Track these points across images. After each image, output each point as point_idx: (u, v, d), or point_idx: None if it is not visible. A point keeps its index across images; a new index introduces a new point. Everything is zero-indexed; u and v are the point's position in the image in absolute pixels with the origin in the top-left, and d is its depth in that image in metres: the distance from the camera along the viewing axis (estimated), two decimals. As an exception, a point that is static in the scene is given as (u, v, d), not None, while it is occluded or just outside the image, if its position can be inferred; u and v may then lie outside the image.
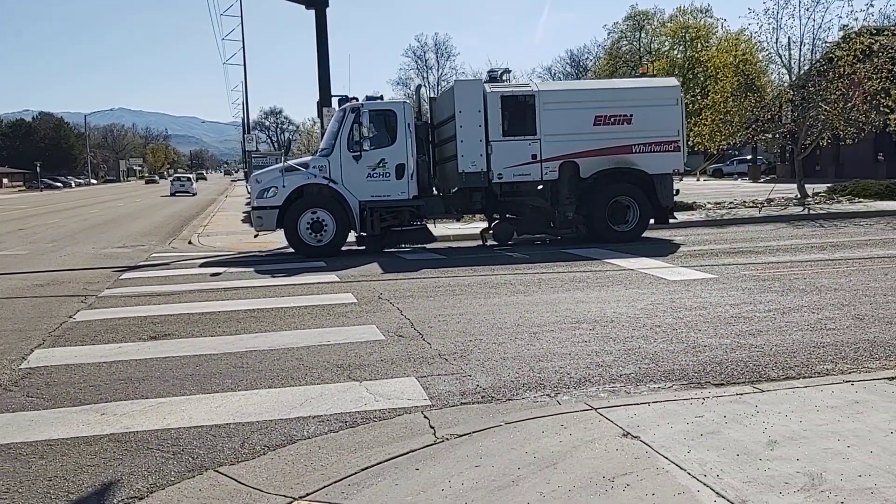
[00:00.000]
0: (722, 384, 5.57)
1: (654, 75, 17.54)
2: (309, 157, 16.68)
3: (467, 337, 7.34)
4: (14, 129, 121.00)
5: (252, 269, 13.28)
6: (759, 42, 28.00)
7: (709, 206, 22.92)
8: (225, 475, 4.31)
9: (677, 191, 16.41)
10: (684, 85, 75.03)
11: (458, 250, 15.52)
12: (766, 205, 22.81)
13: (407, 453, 4.38)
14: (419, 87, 16.45)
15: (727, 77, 26.94)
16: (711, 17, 75.30)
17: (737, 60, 27.00)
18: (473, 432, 4.64)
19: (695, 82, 72.59)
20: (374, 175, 15.13)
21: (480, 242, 16.48)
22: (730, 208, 22.36)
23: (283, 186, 15.01)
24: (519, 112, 15.43)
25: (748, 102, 25.35)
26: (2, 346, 7.68)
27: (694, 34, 75.23)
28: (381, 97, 16.27)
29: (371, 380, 6.03)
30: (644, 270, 11.26)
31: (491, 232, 16.24)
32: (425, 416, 5.07)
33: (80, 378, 6.38)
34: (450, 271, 12.12)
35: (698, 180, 51.07)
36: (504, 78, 16.72)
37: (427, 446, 4.47)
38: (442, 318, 8.31)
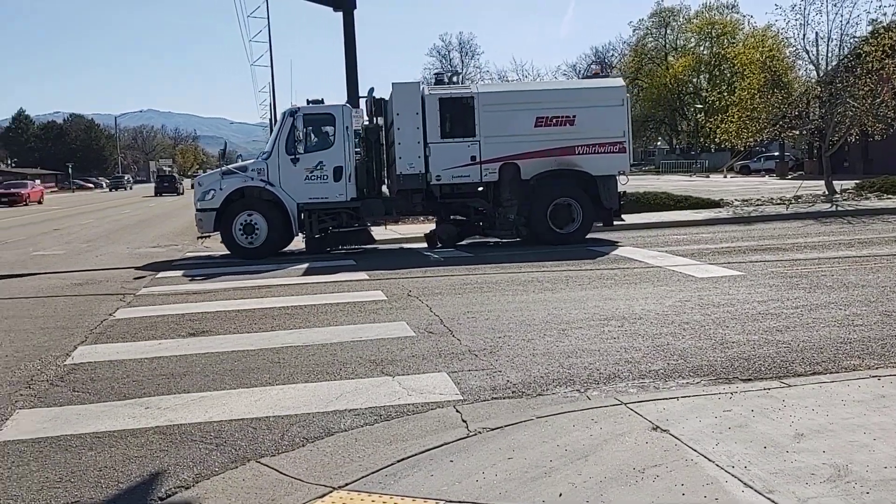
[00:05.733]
0: (749, 379, 5.63)
1: (607, 76, 17.34)
2: (250, 161, 17.04)
3: (496, 333, 7.44)
4: (46, 130, 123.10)
5: (284, 267, 13.49)
6: (786, 38, 27.76)
7: (736, 202, 22.81)
8: (266, 466, 4.46)
9: (623, 192, 16.25)
10: (710, 82, 74.80)
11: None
12: (793, 202, 22.65)
13: (441, 445, 4.50)
14: (371, 89, 16.55)
15: (754, 73, 26.75)
16: (738, 14, 74.63)
17: (763, 57, 26.77)
18: (505, 426, 4.75)
19: (721, 79, 72.15)
20: (312, 178, 15.36)
21: (425, 245, 16.42)
22: (757, 205, 22.24)
23: (221, 189, 15.37)
24: (458, 114, 15.47)
25: (775, 99, 25.15)
26: (46, 343, 7.92)
27: (720, 30, 74.65)
28: (322, 101, 16.43)
29: (403, 375, 6.16)
30: (672, 268, 11.29)
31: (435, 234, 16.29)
32: (457, 411, 5.19)
33: (124, 373, 6.59)
34: (477, 269, 12.23)
35: (725, 177, 50.71)
36: (454, 81, 16.75)
37: (460, 439, 4.59)
38: (471, 314, 8.43)
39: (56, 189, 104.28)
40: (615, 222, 16.26)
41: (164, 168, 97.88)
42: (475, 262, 13.11)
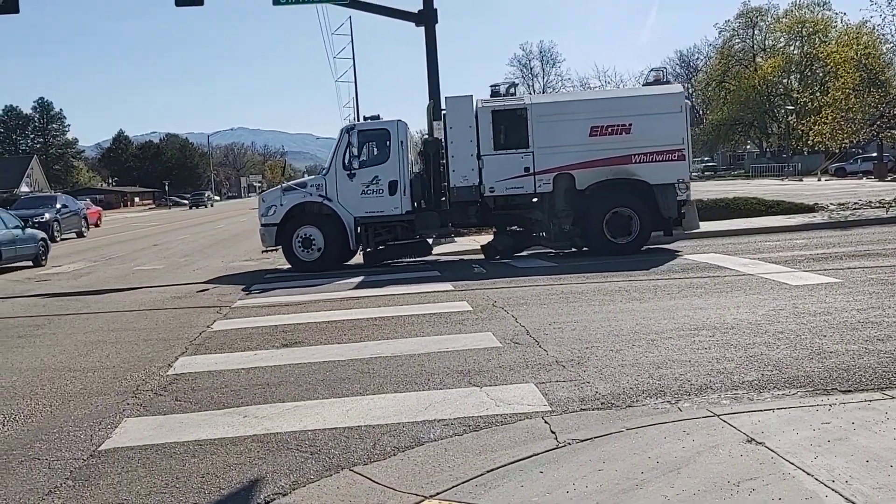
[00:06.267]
0: (849, 391, 5.44)
1: (668, 82, 16.78)
2: (310, 177, 17.36)
3: (584, 344, 7.41)
4: (143, 150, 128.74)
5: (371, 279, 13.74)
6: (883, 35, 26.63)
7: (831, 206, 21.94)
8: (359, 474, 4.57)
9: (683, 200, 15.72)
10: (801, 82, 72.19)
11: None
12: (893, 205, 21.63)
13: (530, 456, 4.52)
14: (431, 103, 16.62)
15: (848, 72, 25.75)
16: (830, 11, 71.85)
17: (858, 55, 25.79)
18: (595, 437, 4.73)
19: (813, 79, 69.60)
20: (368, 192, 15.61)
21: (483, 256, 16.38)
22: (854, 209, 21.32)
23: (282, 205, 15.80)
24: (511, 126, 15.42)
25: (872, 98, 24.17)
26: (150, 354, 8.31)
27: (811, 29, 72.02)
28: (378, 116, 16.64)
29: (491, 385, 6.20)
30: (764, 275, 10.98)
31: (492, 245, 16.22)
32: (546, 422, 5.19)
33: (222, 383, 6.85)
34: (562, 279, 12.17)
35: (819, 180, 48.83)
36: (511, 92, 16.63)
37: (549, 450, 4.60)
38: (557, 325, 8.41)
39: (153, 206, 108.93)
40: (673, 232, 15.92)
41: (201, 193, 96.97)
42: (560, 272, 13.04)
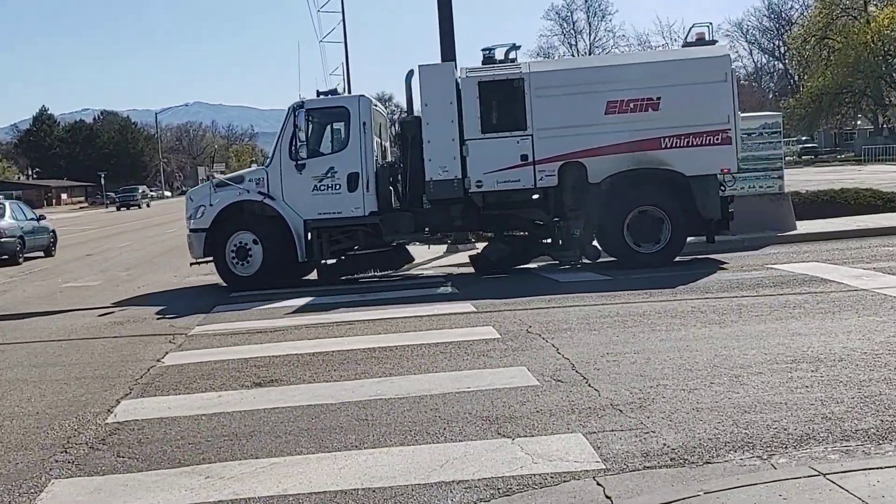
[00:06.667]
0: None
1: (715, 42, 16.77)
2: (248, 170, 17.52)
3: (646, 381, 7.39)
4: (72, 132, 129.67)
5: (369, 296, 13.79)
6: None
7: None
8: (357, 552, 4.58)
9: (729, 197, 15.70)
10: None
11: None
12: None
13: (579, 529, 4.51)
14: (410, 73, 16.53)
15: None
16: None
17: None
18: None
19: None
20: (322, 188, 15.63)
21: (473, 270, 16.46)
22: None
23: (211, 205, 15.87)
24: (504, 102, 15.42)
25: None
26: (84, 396, 8.36)
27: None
28: (336, 91, 16.65)
29: (525, 436, 6.20)
30: (882, 291, 10.93)
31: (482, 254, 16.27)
32: (598, 483, 5.19)
33: (177, 434, 6.88)
34: (617, 296, 12.15)
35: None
36: (512, 59, 16.38)
37: (604, 521, 4.60)
38: (611, 356, 8.40)
39: (86, 204, 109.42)
40: (722, 237, 15.92)
41: (133, 188, 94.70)
42: (614, 288, 13.03)
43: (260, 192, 15.86)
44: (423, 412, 6.98)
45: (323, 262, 16.05)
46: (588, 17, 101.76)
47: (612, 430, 6.18)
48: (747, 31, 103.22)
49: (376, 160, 16.00)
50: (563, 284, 13.89)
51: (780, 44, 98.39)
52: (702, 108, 15.13)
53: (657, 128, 15.10)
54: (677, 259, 15.38)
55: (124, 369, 9.46)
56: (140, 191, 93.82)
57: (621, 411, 6.61)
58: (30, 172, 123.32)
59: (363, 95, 16.27)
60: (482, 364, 8.57)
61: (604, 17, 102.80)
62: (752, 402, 6.59)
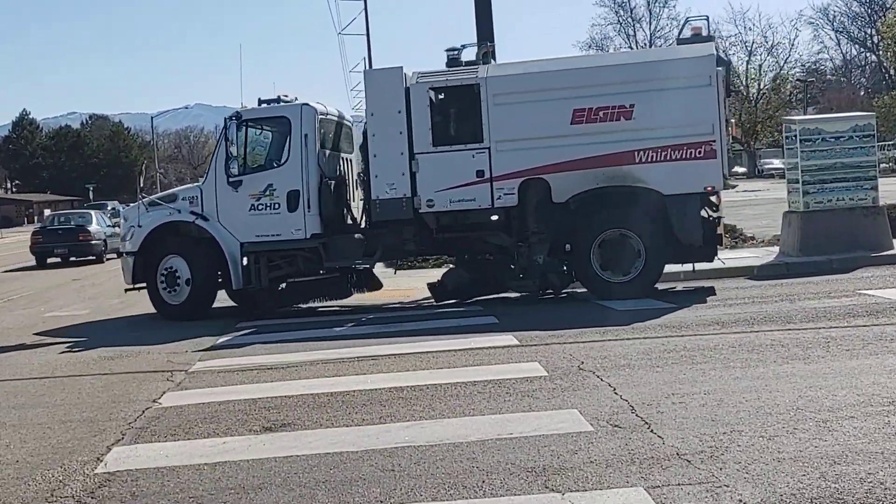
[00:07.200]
0: None
1: (712, 38, 16.73)
2: (182, 188, 17.82)
3: (719, 427, 7.35)
4: (57, 140, 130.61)
5: (394, 328, 13.82)
6: None
7: None
8: None
9: (718, 219, 15.65)
10: None
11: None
12: None
13: None
14: (366, 72, 16.74)
15: None
16: None
17: None
18: (739, 570, 4.69)
19: None
20: (260, 207, 15.85)
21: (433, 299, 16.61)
22: None
23: (140, 227, 16.18)
24: (458, 110, 15.55)
25: None
26: (70, 442, 8.43)
27: None
28: (279, 99, 16.77)
29: (578, 490, 6.18)
30: None
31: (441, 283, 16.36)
32: (663, 546, 5.17)
33: (176, 486, 6.91)
34: (684, 328, 12.10)
35: None
36: (487, 60, 16.60)
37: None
38: (678, 398, 8.37)
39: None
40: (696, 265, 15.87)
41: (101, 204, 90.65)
42: (679, 317, 12.98)
43: (192, 213, 16.18)
44: (458, 462, 6.97)
45: (256, 290, 16.22)
46: (648, 2, 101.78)
47: (679, 484, 6.15)
48: (834, 17, 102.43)
49: (322, 176, 16.09)
50: (621, 313, 13.85)
51: (874, 32, 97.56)
52: (682, 117, 15.13)
53: (630, 140, 15.21)
54: (751, 283, 15.30)
55: (116, 411, 9.53)
56: (109, 207, 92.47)
57: (689, 462, 6.57)
58: (8, 185, 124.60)
59: (307, 104, 16.45)
60: (527, 406, 8.56)
61: (666, 2, 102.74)
62: (843, 452, 6.53)
